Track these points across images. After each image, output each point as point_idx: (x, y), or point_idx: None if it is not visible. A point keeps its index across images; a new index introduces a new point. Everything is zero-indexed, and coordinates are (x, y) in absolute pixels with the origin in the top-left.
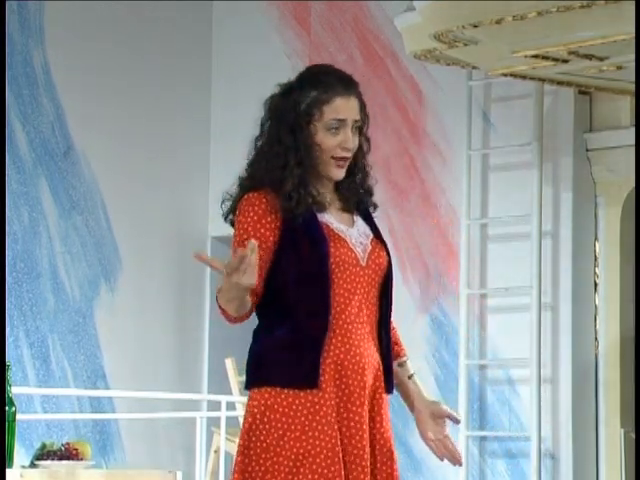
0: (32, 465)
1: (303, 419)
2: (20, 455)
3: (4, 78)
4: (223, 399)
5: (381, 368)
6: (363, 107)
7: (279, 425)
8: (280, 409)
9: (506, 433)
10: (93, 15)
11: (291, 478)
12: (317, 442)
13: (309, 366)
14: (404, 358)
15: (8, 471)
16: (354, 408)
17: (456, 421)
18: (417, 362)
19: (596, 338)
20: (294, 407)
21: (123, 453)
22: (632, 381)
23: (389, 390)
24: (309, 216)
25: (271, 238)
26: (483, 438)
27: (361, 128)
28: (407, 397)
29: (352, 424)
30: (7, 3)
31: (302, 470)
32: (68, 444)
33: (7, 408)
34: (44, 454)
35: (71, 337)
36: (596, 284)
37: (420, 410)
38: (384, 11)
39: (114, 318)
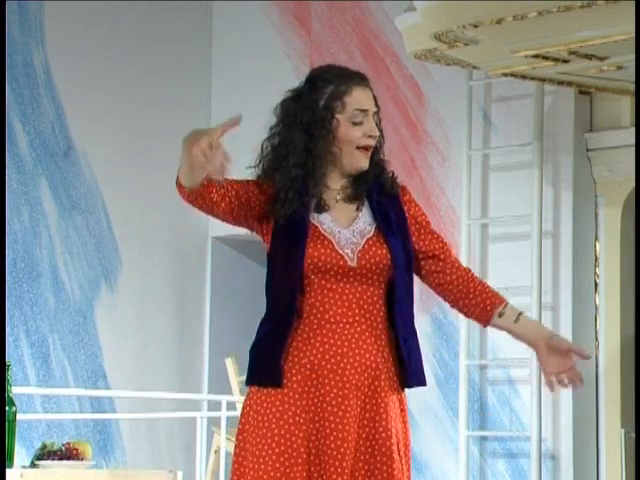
0: (32, 465)
1: (271, 417)
2: (20, 455)
3: (4, 78)
4: (223, 399)
5: (382, 367)
6: (375, 99)
7: (255, 423)
8: (256, 408)
9: (506, 433)
10: (93, 15)
11: (266, 478)
12: (282, 441)
13: (272, 367)
14: (500, 307)
15: (8, 471)
16: (329, 408)
17: (582, 356)
18: None
19: (596, 338)
20: (265, 405)
21: (123, 453)
22: (632, 381)
23: (410, 384)
24: (299, 216)
25: (256, 200)
26: (483, 438)
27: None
28: (521, 340)
29: (327, 424)
30: (7, 3)
31: (269, 468)
32: (68, 444)
33: (7, 408)
34: (44, 454)
35: (71, 337)
36: (596, 284)
37: (535, 347)
38: (384, 11)
39: (114, 318)
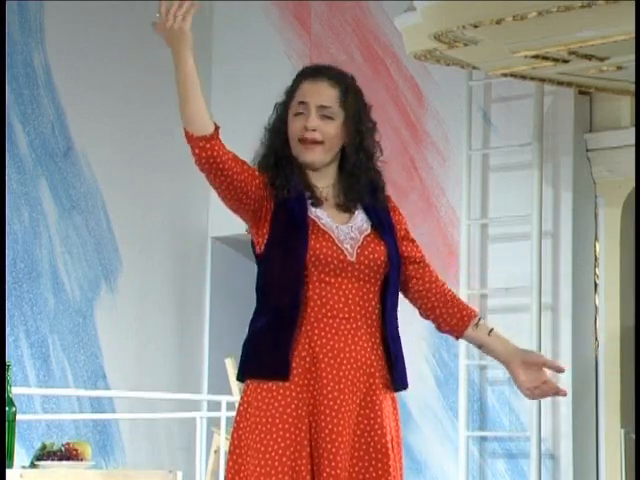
0: (32, 465)
1: (274, 412)
2: (20, 455)
3: (4, 78)
4: (223, 399)
5: (376, 365)
6: (346, 95)
7: (257, 420)
8: (257, 404)
9: (506, 433)
10: (93, 15)
11: (268, 471)
12: (287, 435)
13: (280, 359)
14: (476, 319)
15: (8, 471)
16: (325, 401)
17: (557, 370)
18: (417, 362)
19: (596, 338)
20: (267, 400)
21: (123, 453)
22: (632, 381)
23: (395, 387)
24: (299, 207)
25: (260, 182)
26: (483, 438)
27: (356, 121)
28: (493, 354)
29: (323, 417)
30: (7, 3)
31: (276, 464)
32: (68, 444)
33: (7, 408)
34: (44, 454)
35: (71, 337)
36: (596, 284)
37: (508, 362)
38: (384, 11)
39: (114, 318)
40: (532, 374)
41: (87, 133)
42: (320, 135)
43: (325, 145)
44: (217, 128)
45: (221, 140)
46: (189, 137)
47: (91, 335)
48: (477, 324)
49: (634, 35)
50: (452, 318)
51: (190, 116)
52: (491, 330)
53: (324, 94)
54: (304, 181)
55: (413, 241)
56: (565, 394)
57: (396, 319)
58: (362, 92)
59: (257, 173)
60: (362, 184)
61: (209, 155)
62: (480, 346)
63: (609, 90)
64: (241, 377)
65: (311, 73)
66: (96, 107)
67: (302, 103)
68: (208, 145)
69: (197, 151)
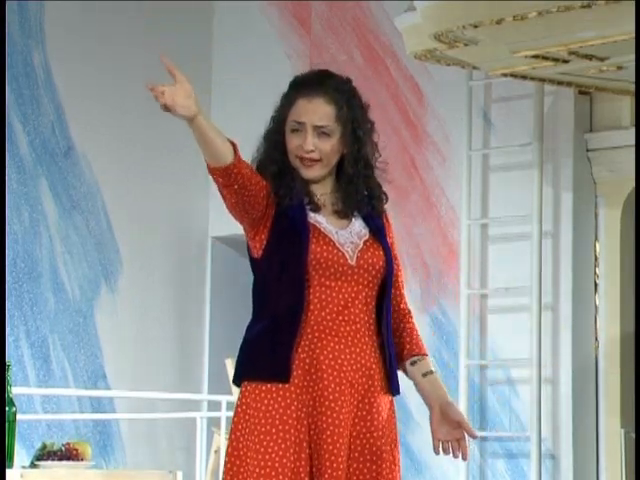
0: (32, 465)
1: (274, 413)
2: (20, 455)
3: (4, 78)
4: (223, 399)
5: (375, 367)
6: (342, 109)
7: (256, 421)
8: (255, 405)
9: (506, 433)
10: (93, 15)
11: (268, 472)
12: (287, 436)
13: (280, 361)
14: (417, 357)
15: (8, 471)
16: (326, 402)
17: (470, 434)
18: None
19: (596, 338)
20: (266, 402)
21: (123, 453)
22: (632, 381)
23: (391, 392)
24: (299, 213)
25: (267, 195)
26: (483, 438)
27: (353, 132)
28: (422, 396)
29: (324, 418)
30: (7, 3)
31: (276, 465)
32: (68, 444)
33: (7, 408)
34: (44, 454)
35: (71, 337)
36: (596, 284)
37: (431, 408)
38: (384, 11)
39: (114, 318)
40: (448, 428)
41: (87, 133)
42: (318, 154)
43: (323, 162)
44: (236, 154)
45: (241, 164)
46: (209, 168)
47: (91, 335)
48: (416, 362)
49: (634, 35)
50: (395, 347)
51: (209, 157)
52: (428, 372)
53: (320, 112)
54: (304, 188)
55: (396, 257)
56: (466, 460)
57: (390, 324)
58: (359, 94)
59: (264, 183)
60: (360, 192)
61: (226, 181)
62: (414, 384)
63: (609, 90)
64: (238, 380)
65: (306, 89)
66: (96, 107)
67: (298, 123)
68: (226, 173)
69: (215, 177)
